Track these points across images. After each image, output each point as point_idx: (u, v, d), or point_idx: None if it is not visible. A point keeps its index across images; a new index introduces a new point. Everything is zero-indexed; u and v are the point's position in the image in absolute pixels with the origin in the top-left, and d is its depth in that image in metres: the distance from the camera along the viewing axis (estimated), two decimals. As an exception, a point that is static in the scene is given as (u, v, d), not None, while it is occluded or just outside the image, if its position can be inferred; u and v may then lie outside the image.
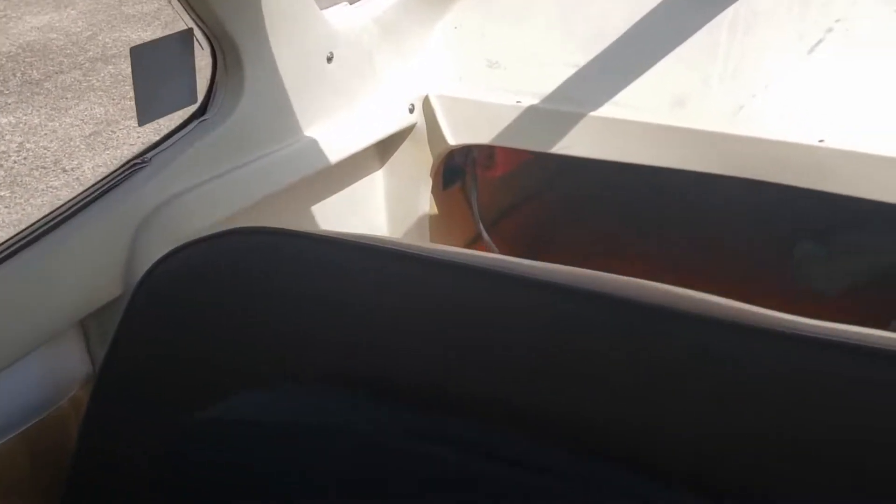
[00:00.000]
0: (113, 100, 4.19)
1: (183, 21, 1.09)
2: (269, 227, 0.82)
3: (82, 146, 3.80)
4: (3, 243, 0.93)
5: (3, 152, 3.74)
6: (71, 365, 0.98)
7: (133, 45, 1.07)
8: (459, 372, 0.67)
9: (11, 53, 4.69)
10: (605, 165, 1.37)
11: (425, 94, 1.44)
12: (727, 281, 1.70)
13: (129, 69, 1.08)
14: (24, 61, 4.61)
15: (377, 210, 1.51)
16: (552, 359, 0.63)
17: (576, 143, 1.35)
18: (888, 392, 0.55)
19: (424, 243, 0.75)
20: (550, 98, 1.38)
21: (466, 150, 1.60)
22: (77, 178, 3.53)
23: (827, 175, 1.22)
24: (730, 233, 1.80)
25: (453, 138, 1.44)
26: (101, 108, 4.12)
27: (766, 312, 0.63)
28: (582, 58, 1.38)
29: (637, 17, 1.38)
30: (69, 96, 4.25)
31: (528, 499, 0.62)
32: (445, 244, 1.63)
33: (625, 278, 0.68)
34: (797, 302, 1.61)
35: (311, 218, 1.34)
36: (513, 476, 0.63)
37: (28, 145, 3.80)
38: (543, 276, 0.68)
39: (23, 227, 0.97)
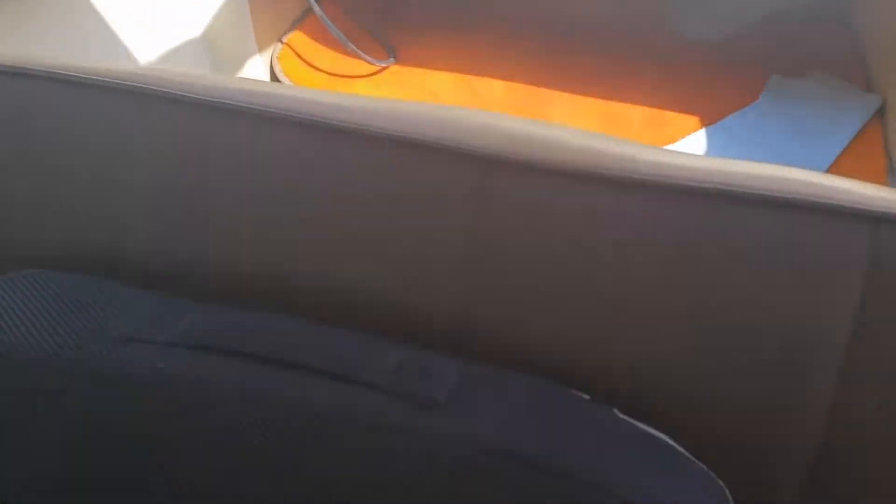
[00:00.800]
0: None
1: None
2: None
3: None
4: None
5: None
6: None
7: None
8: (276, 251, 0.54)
9: None
10: None
11: None
12: (600, 34, 1.59)
13: None
14: None
15: None
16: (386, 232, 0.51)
17: None
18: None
19: (180, 73, 0.55)
20: None
21: None
22: None
23: None
24: None
25: None
26: None
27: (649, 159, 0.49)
28: None
29: None
30: None
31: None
32: (269, 21, 1.38)
33: (477, 114, 0.51)
34: (674, 53, 1.53)
35: (92, 24, 1.05)
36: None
37: None
38: (358, 122, 0.52)
39: None
